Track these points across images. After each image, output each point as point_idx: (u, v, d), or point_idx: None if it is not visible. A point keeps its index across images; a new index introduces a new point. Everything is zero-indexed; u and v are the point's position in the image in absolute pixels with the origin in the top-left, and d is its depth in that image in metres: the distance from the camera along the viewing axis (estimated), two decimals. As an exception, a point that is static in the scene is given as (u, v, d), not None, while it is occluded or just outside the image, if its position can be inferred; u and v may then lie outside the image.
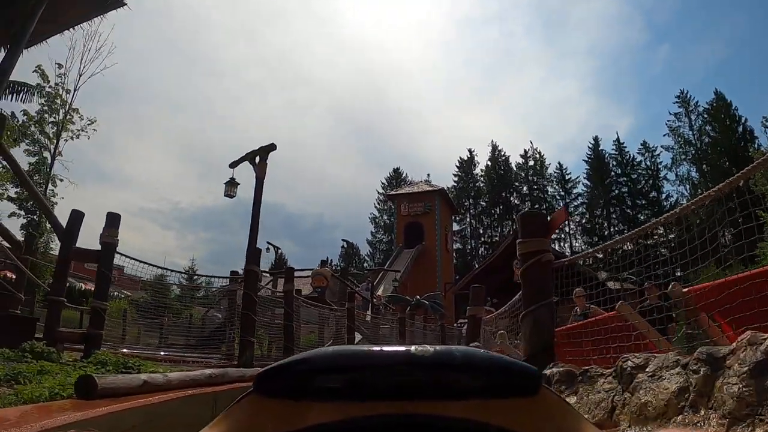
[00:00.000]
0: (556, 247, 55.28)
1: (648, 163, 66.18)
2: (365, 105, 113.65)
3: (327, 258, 25.63)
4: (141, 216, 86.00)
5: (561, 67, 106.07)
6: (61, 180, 22.91)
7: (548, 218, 5.73)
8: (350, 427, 0.84)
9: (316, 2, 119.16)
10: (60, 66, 22.94)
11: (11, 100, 17.85)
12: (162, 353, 10.51)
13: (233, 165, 11.08)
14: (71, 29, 11.12)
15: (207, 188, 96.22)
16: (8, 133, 15.73)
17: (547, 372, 3.87)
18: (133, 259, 8.85)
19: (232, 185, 11.69)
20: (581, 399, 3.25)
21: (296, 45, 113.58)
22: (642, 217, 63.39)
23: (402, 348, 0.89)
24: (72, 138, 23.34)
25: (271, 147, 10.91)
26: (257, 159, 10.97)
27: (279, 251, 30.93)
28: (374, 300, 24.41)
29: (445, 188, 52.68)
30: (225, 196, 11.48)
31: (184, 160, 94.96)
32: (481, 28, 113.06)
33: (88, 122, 23.70)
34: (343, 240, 29.73)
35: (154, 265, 9.70)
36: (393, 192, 53.98)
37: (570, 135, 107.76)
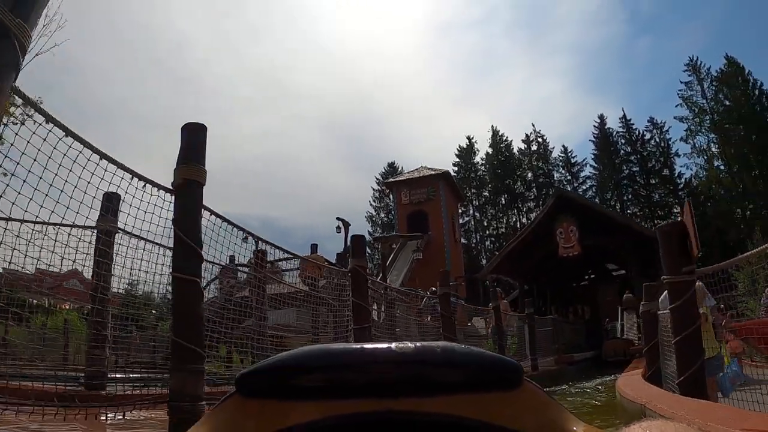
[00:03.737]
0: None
1: (657, 139, 62.66)
2: (354, 114, 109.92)
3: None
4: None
5: (546, 65, 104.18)
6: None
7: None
8: (332, 426, 0.85)
9: (299, 17, 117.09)
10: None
11: None
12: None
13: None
14: None
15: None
16: None
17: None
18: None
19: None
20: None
21: (281, 60, 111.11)
22: (656, 197, 60.70)
23: (383, 345, 0.88)
24: (16, 123, 18.68)
25: None
26: None
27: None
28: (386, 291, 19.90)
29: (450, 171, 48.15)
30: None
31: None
32: (463, 33, 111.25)
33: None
34: (338, 219, 24.87)
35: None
36: (391, 179, 49.36)
37: (566, 127, 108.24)
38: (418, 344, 0.87)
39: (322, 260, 18.32)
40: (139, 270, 5.24)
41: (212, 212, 4.32)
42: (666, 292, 7.96)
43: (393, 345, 0.87)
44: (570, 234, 23.91)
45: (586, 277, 32.35)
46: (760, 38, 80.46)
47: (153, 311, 9.93)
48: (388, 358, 0.85)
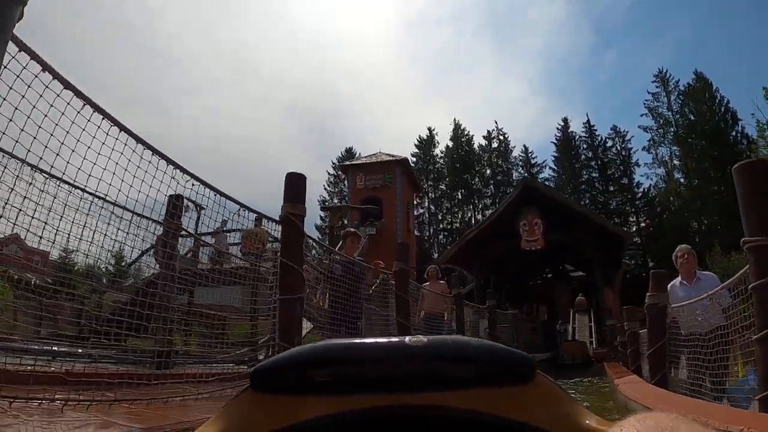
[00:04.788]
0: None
1: (618, 148, 62.81)
2: (319, 102, 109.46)
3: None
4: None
5: (513, 68, 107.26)
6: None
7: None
8: (346, 420, 0.86)
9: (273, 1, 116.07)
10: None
11: None
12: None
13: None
14: None
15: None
16: None
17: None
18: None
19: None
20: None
21: (250, 41, 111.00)
22: (613, 204, 60.17)
23: (396, 339, 0.90)
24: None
25: None
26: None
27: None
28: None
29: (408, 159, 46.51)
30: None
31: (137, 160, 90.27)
32: (432, 29, 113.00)
33: None
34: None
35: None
36: (347, 162, 47.49)
37: (528, 131, 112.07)
38: (431, 338, 0.87)
39: (265, 234, 16.38)
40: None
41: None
42: (675, 281, 6.60)
43: (406, 339, 0.87)
44: (534, 227, 22.29)
45: (544, 275, 31.12)
46: (729, 57, 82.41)
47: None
48: (401, 353, 0.85)
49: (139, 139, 3.98)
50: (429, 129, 69.68)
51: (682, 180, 54.40)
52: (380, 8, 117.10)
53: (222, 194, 5.46)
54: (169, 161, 4.40)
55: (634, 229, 56.36)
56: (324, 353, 0.88)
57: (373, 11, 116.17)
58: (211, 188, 5.23)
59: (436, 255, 54.46)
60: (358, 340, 0.91)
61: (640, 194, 59.37)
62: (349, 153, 67.61)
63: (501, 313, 16.44)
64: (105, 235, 4.48)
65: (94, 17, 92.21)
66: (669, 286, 6.72)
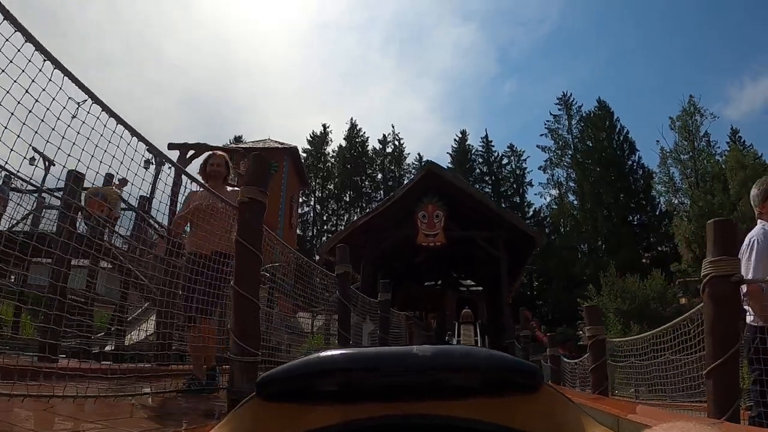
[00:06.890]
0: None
1: (513, 166, 63.79)
2: (216, 95, 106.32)
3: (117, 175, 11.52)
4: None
5: (414, 84, 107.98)
6: None
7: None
8: (352, 430, 0.87)
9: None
10: None
11: None
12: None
13: None
14: None
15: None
16: None
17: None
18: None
19: None
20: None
21: (156, 23, 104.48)
22: None
23: (403, 348, 0.90)
24: None
25: None
26: None
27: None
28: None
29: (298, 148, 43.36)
30: None
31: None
32: (341, 36, 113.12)
33: None
34: (148, 150, 12.50)
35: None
36: (232, 146, 43.87)
37: (424, 144, 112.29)
38: (437, 348, 0.87)
39: (115, 194, 12.59)
40: None
41: None
42: (760, 235, 3.71)
43: (414, 348, 0.87)
44: (434, 219, 19.66)
45: (436, 281, 28.66)
46: (633, 91, 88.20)
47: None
48: (408, 362, 0.85)
49: None
50: (324, 125, 67.68)
51: (575, 202, 55.18)
52: (289, 11, 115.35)
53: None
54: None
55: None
56: (329, 363, 0.87)
57: (284, 11, 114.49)
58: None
59: (317, 258, 51.71)
60: (364, 349, 0.92)
61: (531, 213, 60.06)
62: (238, 141, 64.29)
63: (396, 313, 13.49)
64: None
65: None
66: (750, 238, 3.85)
